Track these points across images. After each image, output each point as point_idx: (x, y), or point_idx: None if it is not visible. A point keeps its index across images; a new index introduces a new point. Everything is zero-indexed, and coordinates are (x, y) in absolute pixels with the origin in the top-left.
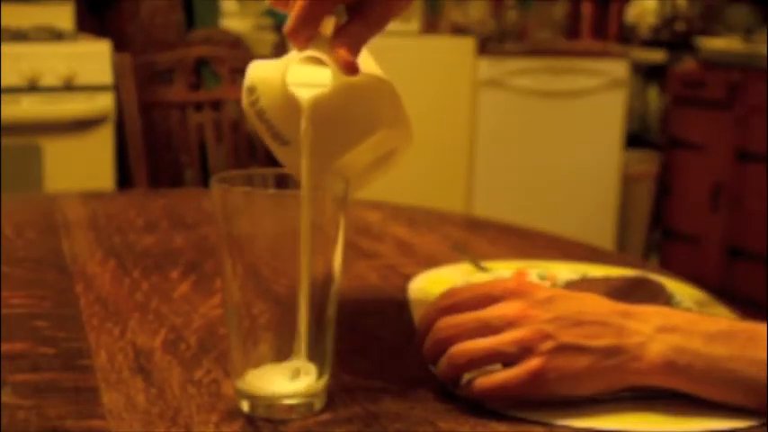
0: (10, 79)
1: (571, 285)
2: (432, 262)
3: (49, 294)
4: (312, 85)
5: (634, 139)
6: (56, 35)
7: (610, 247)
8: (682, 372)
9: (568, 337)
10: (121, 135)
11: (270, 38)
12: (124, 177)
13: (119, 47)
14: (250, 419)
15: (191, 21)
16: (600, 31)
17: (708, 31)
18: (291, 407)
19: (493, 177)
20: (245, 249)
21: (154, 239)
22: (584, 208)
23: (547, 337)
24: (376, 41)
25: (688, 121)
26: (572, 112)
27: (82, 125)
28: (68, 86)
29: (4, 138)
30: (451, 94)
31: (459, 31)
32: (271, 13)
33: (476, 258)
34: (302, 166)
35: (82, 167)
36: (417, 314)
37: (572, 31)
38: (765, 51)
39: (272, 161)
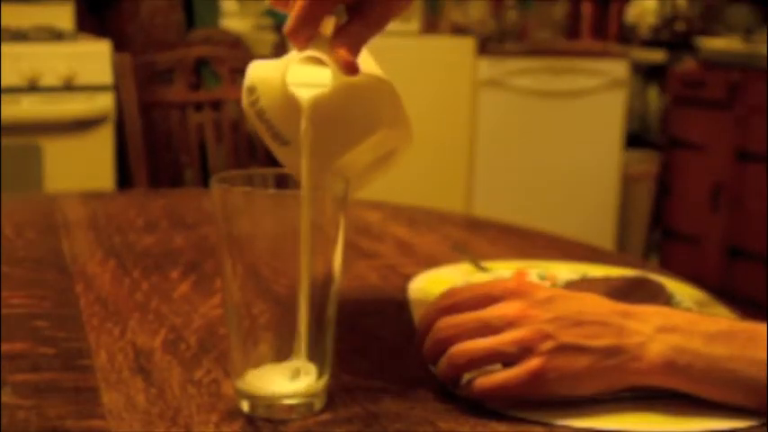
0: (10, 79)
1: (571, 285)
2: (432, 262)
3: (49, 294)
4: (312, 85)
5: (634, 139)
6: (56, 35)
7: (610, 247)
8: (682, 372)
9: (568, 337)
10: (121, 135)
11: (270, 38)
12: (124, 177)
13: (119, 47)
14: (250, 419)
15: (191, 21)
16: (600, 31)
17: (708, 31)
18: (291, 407)
19: (493, 177)
20: (245, 249)
21: (154, 239)
22: (584, 208)
23: (547, 337)
24: (376, 41)
25: (688, 121)
26: (572, 112)
27: (82, 125)
28: (68, 86)
29: (4, 138)
30: (451, 94)
31: (459, 31)
32: (271, 13)
33: (476, 258)
34: (302, 166)
35: (82, 167)
36: (417, 314)
37: (572, 31)
38: (765, 51)
39: (272, 161)
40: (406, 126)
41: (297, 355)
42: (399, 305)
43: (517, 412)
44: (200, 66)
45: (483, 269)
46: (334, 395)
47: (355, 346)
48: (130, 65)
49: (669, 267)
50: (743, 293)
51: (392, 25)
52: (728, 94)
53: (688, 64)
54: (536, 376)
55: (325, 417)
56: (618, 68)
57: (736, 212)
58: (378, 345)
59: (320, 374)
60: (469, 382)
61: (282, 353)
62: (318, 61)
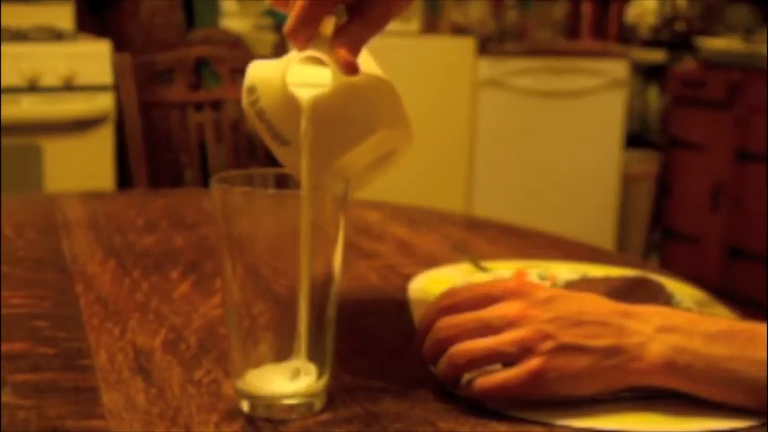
0: (10, 79)
1: (571, 285)
2: (432, 262)
3: (49, 294)
4: (312, 84)
5: (634, 139)
6: (56, 35)
7: (610, 247)
8: (682, 372)
9: (568, 337)
10: (121, 135)
11: (270, 38)
12: (124, 177)
13: (119, 47)
14: (250, 419)
15: (191, 21)
16: (600, 31)
17: (708, 31)
18: (291, 407)
19: (493, 177)
20: (245, 249)
21: (154, 239)
22: (584, 208)
23: (547, 337)
24: (376, 41)
25: (688, 121)
26: (572, 112)
27: (82, 125)
28: (68, 86)
29: (4, 138)
30: (451, 94)
31: (459, 31)
32: (271, 13)
33: (476, 258)
34: (302, 166)
35: (82, 167)
36: (417, 314)
37: (572, 31)
38: (765, 51)
39: (272, 161)
40: (406, 126)
41: (297, 355)
42: (399, 305)
43: (517, 412)
44: (201, 66)
45: (483, 269)
46: (334, 395)
47: (355, 346)
48: (130, 65)
49: (669, 267)
50: (743, 293)
51: (392, 25)
52: (728, 94)
53: (688, 64)
54: (536, 376)
55: (326, 417)
56: (618, 68)
57: (736, 212)
58: (378, 345)
59: (320, 374)
60: (469, 382)
61: (282, 353)
62: (318, 61)
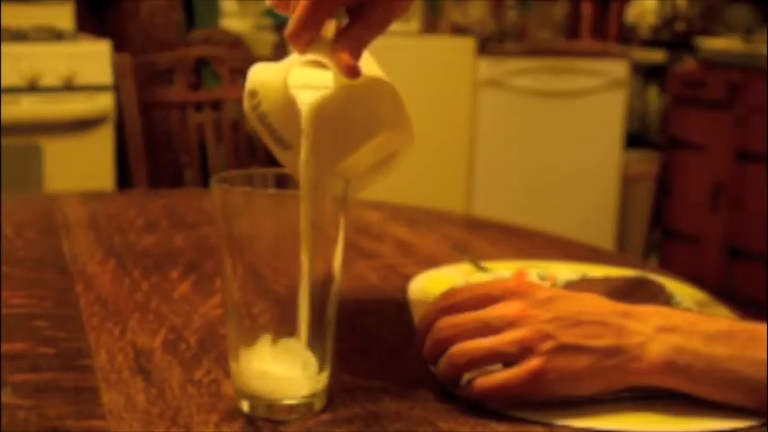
0: (10, 79)
1: (571, 285)
2: (432, 262)
3: (49, 294)
4: (314, 88)
5: (634, 139)
6: (56, 35)
7: (610, 247)
8: (682, 372)
9: (568, 337)
10: (121, 135)
11: (270, 38)
12: (124, 177)
13: (119, 47)
14: (250, 419)
15: (191, 21)
16: (600, 31)
17: (708, 31)
18: (291, 407)
19: (493, 177)
20: (245, 249)
21: (154, 239)
22: (584, 208)
23: (547, 337)
24: (376, 42)
25: (688, 121)
26: (572, 112)
27: (82, 125)
28: (68, 86)
29: (4, 138)
30: (451, 94)
31: (459, 31)
32: (271, 13)
33: (476, 258)
34: (302, 167)
35: (82, 167)
36: (417, 314)
37: (572, 31)
38: (765, 51)
39: (272, 161)
40: (407, 128)
41: (297, 354)
42: (399, 305)
43: (517, 412)
44: (201, 66)
45: (483, 269)
46: (335, 395)
47: (355, 346)
48: (130, 65)
49: (669, 267)
50: (743, 293)
51: (392, 25)
52: (728, 94)
53: (688, 64)
54: (536, 376)
55: (326, 417)
56: (618, 68)
57: (736, 212)
58: (378, 345)
59: (320, 374)
60: (469, 382)
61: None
62: (320, 64)
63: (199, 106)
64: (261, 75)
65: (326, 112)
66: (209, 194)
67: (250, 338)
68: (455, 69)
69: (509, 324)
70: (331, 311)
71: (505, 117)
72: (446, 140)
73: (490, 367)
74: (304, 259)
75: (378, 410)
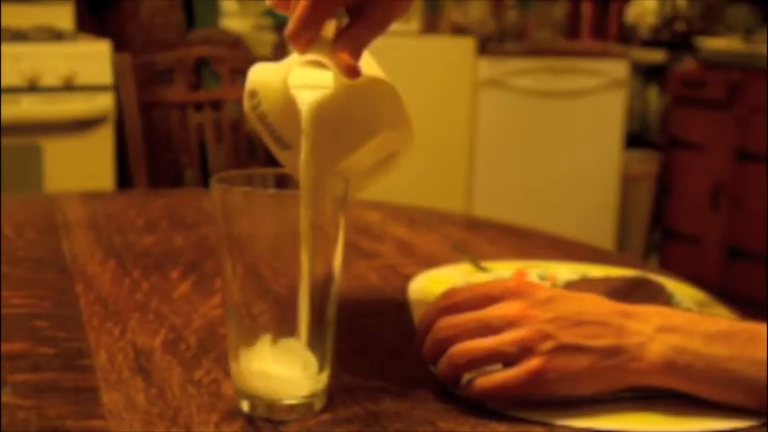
0: (10, 79)
1: (571, 285)
2: (432, 262)
3: (49, 294)
4: (314, 88)
5: (634, 139)
6: (56, 35)
7: (610, 247)
8: (682, 372)
9: (568, 337)
10: (121, 135)
11: (270, 38)
12: (124, 177)
13: (119, 47)
14: (250, 419)
15: (191, 21)
16: (600, 31)
17: (708, 31)
18: (291, 407)
19: (493, 177)
20: (245, 249)
21: (154, 239)
22: (584, 208)
23: (547, 337)
24: (376, 41)
25: (688, 121)
26: (572, 112)
27: (82, 125)
28: (68, 86)
29: (4, 138)
30: (451, 94)
31: (459, 31)
32: (271, 13)
33: (476, 258)
34: (301, 168)
35: (82, 167)
36: (417, 314)
37: (572, 31)
38: (765, 51)
39: (272, 161)
40: (407, 127)
41: (297, 354)
42: (399, 305)
43: (517, 412)
44: (201, 66)
45: (483, 269)
46: (335, 395)
47: (355, 346)
48: (130, 65)
49: (669, 267)
50: (743, 293)
51: (392, 25)
52: (728, 94)
53: (688, 64)
54: (536, 376)
55: (326, 417)
56: (618, 68)
57: (736, 212)
58: (378, 345)
59: (320, 374)
60: (469, 382)
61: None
62: (320, 64)
63: (199, 106)
64: (261, 75)
65: (326, 113)
66: (209, 194)
67: (250, 338)
68: (455, 69)
69: (509, 324)
70: (331, 311)
71: (505, 117)
72: (446, 140)
73: (490, 367)
74: (304, 259)
75: (378, 410)
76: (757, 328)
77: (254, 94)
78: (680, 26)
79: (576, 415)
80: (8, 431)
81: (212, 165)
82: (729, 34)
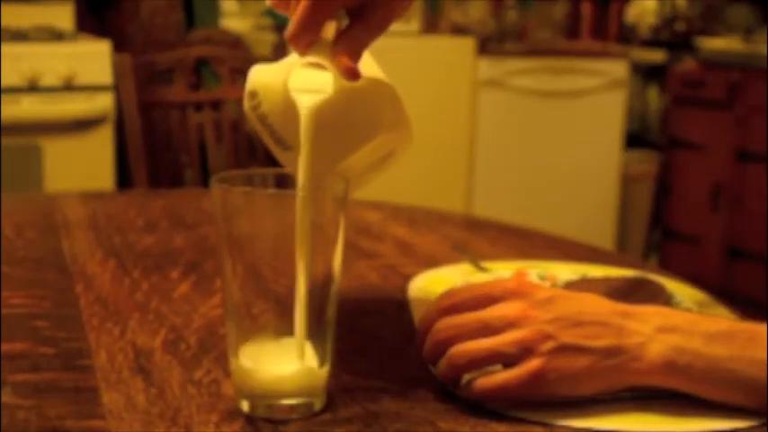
0: (10, 79)
1: (571, 285)
2: (432, 262)
3: (49, 294)
4: (313, 90)
5: (634, 139)
6: (56, 35)
7: (610, 247)
8: (682, 372)
9: (568, 337)
10: (121, 135)
11: (270, 38)
12: (124, 177)
13: (119, 47)
14: (250, 419)
15: (191, 21)
16: (600, 31)
17: (708, 31)
18: (291, 407)
19: (493, 177)
20: (245, 249)
21: (154, 239)
22: (584, 208)
23: (547, 337)
24: (376, 42)
25: (688, 121)
26: (572, 112)
27: (82, 125)
28: (68, 86)
29: (4, 138)
30: (451, 94)
31: (459, 31)
32: (271, 13)
33: (476, 258)
34: (301, 169)
35: (82, 167)
36: (417, 314)
37: (572, 31)
38: (765, 51)
39: (272, 161)
40: (406, 128)
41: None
42: (399, 305)
43: (517, 412)
44: (201, 66)
45: (483, 269)
46: (335, 395)
47: (355, 346)
48: (130, 65)
49: (669, 267)
50: (743, 293)
51: (392, 25)
52: (728, 94)
53: (688, 64)
54: (536, 377)
55: (326, 417)
56: (618, 68)
57: (736, 212)
58: (378, 345)
59: (320, 373)
60: (469, 382)
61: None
62: (320, 66)
63: (199, 106)
64: (261, 76)
65: (326, 116)
66: (209, 194)
67: (250, 338)
68: (455, 69)
69: (509, 324)
70: (331, 311)
71: (505, 117)
72: (446, 140)
73: (490, 368)
74: (300, 261)
75: (378, 410)
76: (757, 328)
77: (254, 94)
78: (680, 26)
79: (576, 415)
80: (8, 431)
81: (212, 165)
82: (729, 34)
